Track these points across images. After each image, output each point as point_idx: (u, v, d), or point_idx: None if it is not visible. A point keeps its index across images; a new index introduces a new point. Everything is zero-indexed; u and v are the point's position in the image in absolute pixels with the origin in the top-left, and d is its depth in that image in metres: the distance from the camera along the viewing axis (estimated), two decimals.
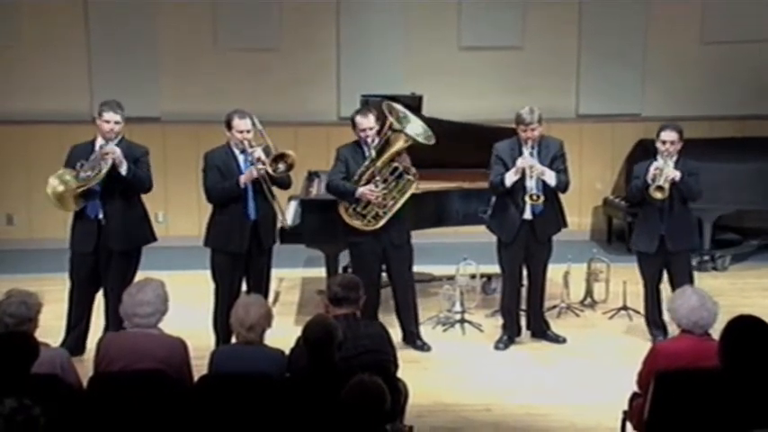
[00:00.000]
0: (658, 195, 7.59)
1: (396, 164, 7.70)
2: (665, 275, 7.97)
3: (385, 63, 10.90)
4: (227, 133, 7.54)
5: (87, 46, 10.89)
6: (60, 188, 7.40)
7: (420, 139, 7.67)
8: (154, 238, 7.82)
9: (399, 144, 7.66)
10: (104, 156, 7.36)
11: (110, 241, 7.54)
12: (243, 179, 7.46)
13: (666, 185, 7.57)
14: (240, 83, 10.84)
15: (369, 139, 7.67)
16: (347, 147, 7.91)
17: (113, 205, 7.52)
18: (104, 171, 7.36)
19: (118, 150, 7.40)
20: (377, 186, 7.65)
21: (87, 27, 10.85)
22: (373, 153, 7.68)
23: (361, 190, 7.66)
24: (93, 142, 7.56)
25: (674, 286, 7.56)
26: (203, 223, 7.77)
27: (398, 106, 7.82)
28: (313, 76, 11.06)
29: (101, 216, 7.51)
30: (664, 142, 7.70)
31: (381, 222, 7.68)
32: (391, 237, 7.77)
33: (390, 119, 7.63)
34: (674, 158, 7.70)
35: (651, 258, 7.90)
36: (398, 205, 7.69)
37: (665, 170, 7.60)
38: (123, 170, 7.43)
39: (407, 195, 7.71)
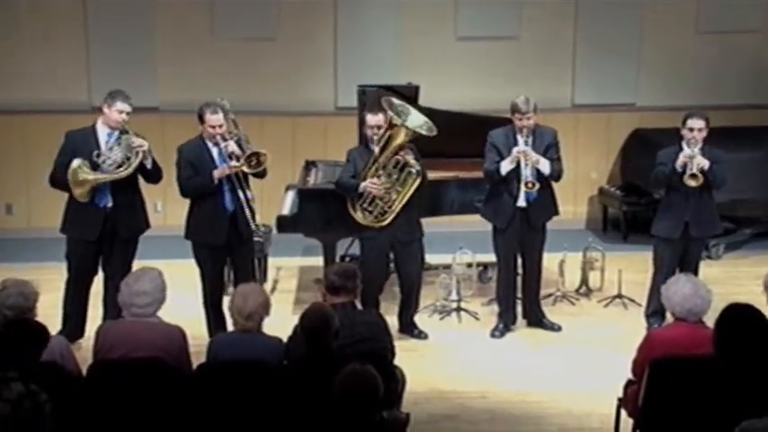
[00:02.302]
0: (692, 183, 7.60)
1: (398, 157, 7.71)
2: None
3: (382, 53, 10.90)
4: (199, 126, 7.49)
5: (85, 36, 10.87)
6: (90, 177, 7.35)
7: (422, 131, 7.65)
8: (148, 226, 7.85)
9: (401, 138, 7.64)
10: (135, 149, 7.35)
11: (118, 229, 7.53)
12: (216, 175, 7.39)
13: (699, 173, 7.60)
14: (238, 73, 10.83)
15: (375, 137, 7.69)
16: (357, 148, 8.00)
17: (122, 194, 7.50)
18: (134, 165, 7.36)
19: (146, 144, 7.40)
20: (379, 180, 7.69)
21: (85, 17, 10.84)
22: (376, 150, 7.70)
23: (363, 184, 7.69)
24: (93, 130, 7.52)
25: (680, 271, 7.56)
26: None
27: (397, 100, 7.80)
28: (310, 67, 11.05)
29: (110, 205, 7.49)
30: (691, 129, 7.69)
31: (389, 219, 7.71)
32: (397, 234, 7.80)
33: (390, 113, 7.61)
34: (699, 146, 7.70)
35: (673, 243, 7.89)
36: (404, 200, 7.71)
37: (695, 158, 7.62)
38: (149, 163, 7.45)
39: (411, 189, 7.72)
